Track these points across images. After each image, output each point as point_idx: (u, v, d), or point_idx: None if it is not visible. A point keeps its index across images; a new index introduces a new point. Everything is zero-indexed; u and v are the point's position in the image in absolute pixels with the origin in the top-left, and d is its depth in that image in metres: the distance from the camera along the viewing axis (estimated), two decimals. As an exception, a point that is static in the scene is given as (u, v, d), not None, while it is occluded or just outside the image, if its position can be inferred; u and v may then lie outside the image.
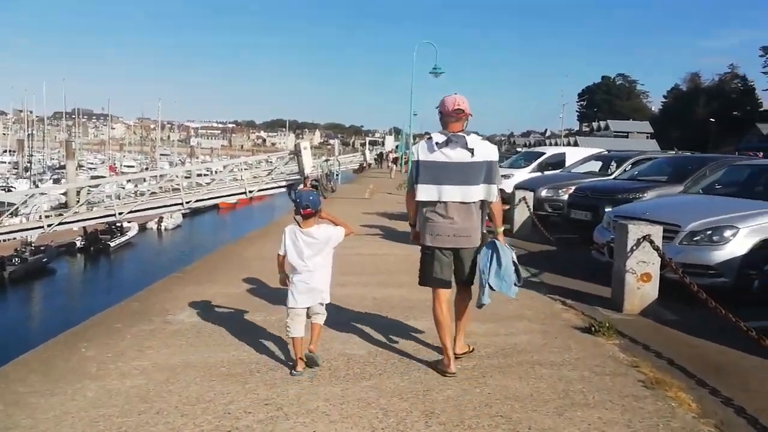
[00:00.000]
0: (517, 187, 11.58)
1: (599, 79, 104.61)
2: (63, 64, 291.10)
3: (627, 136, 69.96)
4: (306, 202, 3.76)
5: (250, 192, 17.37)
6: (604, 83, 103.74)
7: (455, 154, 3.71)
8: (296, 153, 17.92)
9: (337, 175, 26.85)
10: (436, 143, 3.74)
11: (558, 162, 14.50)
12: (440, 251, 3.80)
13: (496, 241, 3.86)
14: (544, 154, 15.24)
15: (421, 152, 3.81)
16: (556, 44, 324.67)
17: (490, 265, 3.80)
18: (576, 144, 52.85)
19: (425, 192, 3.76)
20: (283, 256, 3.86)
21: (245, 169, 18.62)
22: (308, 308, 3.83)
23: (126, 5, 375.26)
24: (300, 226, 3.81)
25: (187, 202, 16.62)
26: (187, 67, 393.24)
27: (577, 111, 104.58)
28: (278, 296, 5.05)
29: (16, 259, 23.15)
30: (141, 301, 5.80)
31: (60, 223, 15.43)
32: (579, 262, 7.81)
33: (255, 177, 18.62)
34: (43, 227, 15.08)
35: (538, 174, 13.59)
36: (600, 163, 13.03)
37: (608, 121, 78.39)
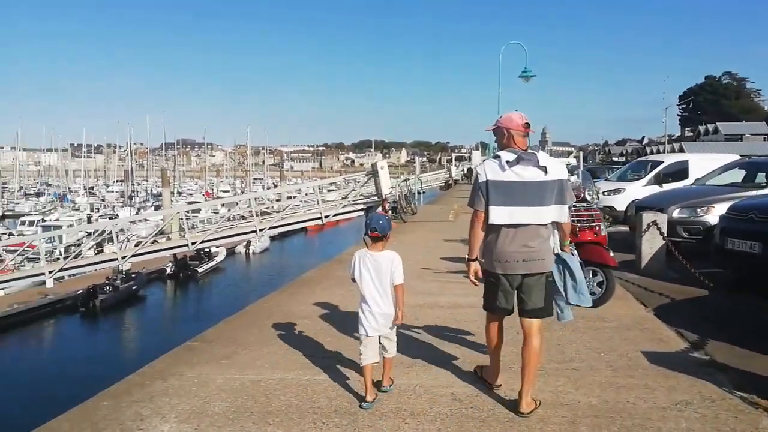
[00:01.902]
0: (640, 206, 9.45)
1: (702, 79, 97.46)
2: (165, 97, 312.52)
3: (741, 139, 63.52)
4: (375, 224, 3.74)
5: (326, 217, 16.41)
6: (708, 83, 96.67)
7: (528, 173, 3.51)
8: (373, 173, 16.79)
9: (420, 193, 25.59)
10: (507, 162, 3.52)
11: (679, 172, 12.38)
12: (507, 279, 3.60)
13: (561, 253, 3.79)
14: (661, 162, 13.01)
15: (489, 171, 3.57)
16: (651, 43, 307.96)
17: (565, 282, 3.75)
18: (682, 150, 48.46)
19: (498, 214, 3.52)
20: (353, 278, 3.85)
21: (321, 193, 17.65)
22: (379, 336, 3.78)
23: (217, 35, 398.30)
24: (368, 248, 3.80)
25: (261, 230, 15.93)
26: (280, 92, 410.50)
27: (678, 115, 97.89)
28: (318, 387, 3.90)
29: (108, 287, 23.73)
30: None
31: (132, 255, 15.17)
32: (757, 321, 6.02)
33: (331, 200, 17.69)
34: (116, 259, 14.87)
35: (658, 188, 11.51)
36: (742, 172, 10.40)
37: (717, 123, 71.76)
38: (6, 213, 56.38)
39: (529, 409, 3.55)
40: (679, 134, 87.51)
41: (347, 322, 5.66)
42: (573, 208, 6.02)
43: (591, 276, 6.08)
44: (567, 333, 5.31)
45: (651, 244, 7.95)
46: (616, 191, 12.22)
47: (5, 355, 18.76)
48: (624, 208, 11.80)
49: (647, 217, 7.96)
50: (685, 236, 8.51)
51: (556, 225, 3.70)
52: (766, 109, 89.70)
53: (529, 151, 3.58)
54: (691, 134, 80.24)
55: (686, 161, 12.84)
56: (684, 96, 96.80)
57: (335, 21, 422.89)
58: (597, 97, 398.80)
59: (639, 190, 12.04)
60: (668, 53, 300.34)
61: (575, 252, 4.11)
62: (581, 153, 9.85)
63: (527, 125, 3.64)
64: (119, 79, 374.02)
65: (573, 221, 5.97)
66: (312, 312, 6.26)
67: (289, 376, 4.33)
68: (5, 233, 36.00)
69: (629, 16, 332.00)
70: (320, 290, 7.32)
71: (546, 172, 3.52)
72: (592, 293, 5.85)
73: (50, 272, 16.44)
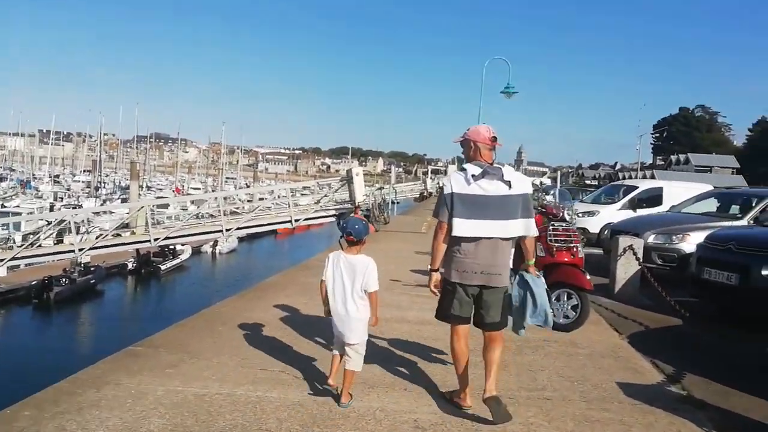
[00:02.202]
0: (615, 230, 9.30)
1: (677, 111, 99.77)
2: (141, 89, 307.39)
3: (710, 171, 65.12)
4: (350, 228, 3.68)
5: (296, 221, 15.98)
6: (682, 115, 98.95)
7: (492, 188, 3.55)
8: (348, 179, 16.45)
9: (394, 203, 25.31)
10: (472, 176, 3.55)
11: (653, 198, 12.36)
12: (463, 289, 3.62)
13: (524, 273, 3.77)
14: (636, 187, 12.96)
15: (455, 184, 3.59)
16: (629, 73, 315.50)
17: (526, 302, 3.73)
18: (653, 177, 49.33)
19: (462, 227, 3.53)
20: (324, 281, 3.78)
21: (293, 196, 17.23)
22: (346, 344, 3.72)
23: (204, 32, 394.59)
24: (343, 250, 3.74)
25: (228, 230, 15.41)
26: (259, 93, 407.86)
27: (651, 143, 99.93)
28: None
29: (64, 280, 22.82)
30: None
31: (91, 248, 14.50)
32: (733, 354, 5.78)
33: (303, 204, 17.29)
34: (74, 251, 14.18)
35: (632, 213, 11.44)
36: (716, 202, 10.36)
37: (689, 154, 73.49)
38: (-40, 198, 54.17)
39: (491, 394, 3.56)
40: (651, 162, 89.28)
41: (308, 333, 5.36)
42: (551, 228, 5.83)
43: (566, 299, 5.87)
44: (539, 358, 5.09)
45: (626, 268, 7.74)
46: (590, 213, 12.09)
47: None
48: (597, 231, 11.73)
49: (623, 241, 7.74)
50: (659, 263, 8.36)
51: (521, 242, 3.72)
52: (735, 143, 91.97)
53: (494, 165, 3.61)
54: (663, 163, 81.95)
55: (661, 188, 12.85)
56: (658, 125, 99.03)
57: (319, 26, 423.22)
58: (573, 119, 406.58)
59: (613, 213, 11.98)
60: (645, 82, 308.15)
61: (541, 276, 3.92)
62: (558, 173, 9.74)
63: (494, 139, 3.64)
64: (94, 68, 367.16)
65: (550, 241, 5.78)
66: (271, 320, 5.87)
67: (237, 392, 3.93)
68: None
69: (609, 42, 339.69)
70: (283, 296, 6.93)
71: (510, 186, 3.54)
72: (566, 317, 5.74)
73: (1, 260, 15.62)
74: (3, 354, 17.17)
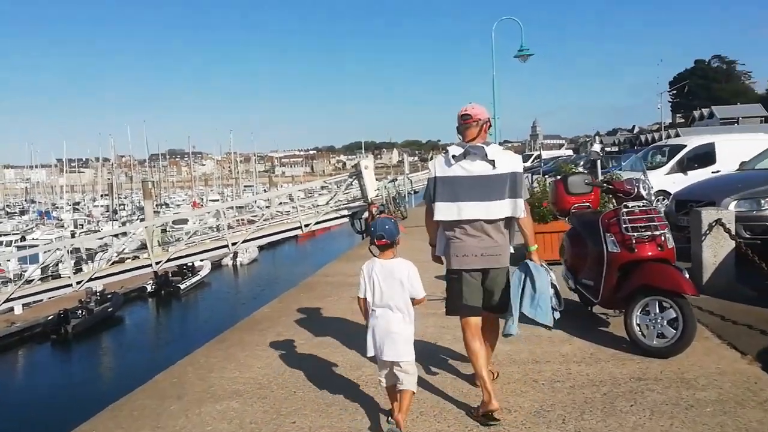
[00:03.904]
0: (680, 200, 7.69)
1: (692, 64, 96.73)
2: (144, 108, 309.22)
3: (737, 122, 62.35)
4: (381, 230, 3.28)
5: (306, 226, 14.85)
6: (698, 68, 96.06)
7: (475, 167, 3.41)
8: (357, 174, 15.24)
9: (411, 193, 24.03)
10: (453, 156, 3.45)
11: (704, 156, 10.83)
12: (468, 274, 3.43)
13: (528, 261, 3.49)
14: (683, 146, 11.42)
15: (438, 167, 3.51)
16: (637, 31, 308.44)
17: (523, 290, 3.44)
18: (678, 135, 47.16)
19: (444, 211, 3.43)
20: (363, 299, 3.30)
21: (303, 198, 16.10)
22: (392, 365, 3.17)
23: (202, 41, 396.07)
24: (377, 257, 3.33)
25: (233, 244, 14.35)
26: (269, 98, 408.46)
27: (669, 101, 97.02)
28: None
29: (81, 311, 22.15)
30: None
31: (90, 279, 13.58)
32: None
33: (321, 205, 16.11)
34: (71, 285, 13.26)
35: (683, 176, 9.98)
36: None
37: (712, 107, 70.58)
38: (-13, 233, 54.38)
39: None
40: (671, 121, 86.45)
41: (296, 408, 3.66)
42: (625, 211, 4.41)
43: (658, 310, 4.18)
44: (643, 417, 3.26)
45: (714, 250, 5.81)
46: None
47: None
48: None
49: (708, 214, 5.85)
50: (748, 236, 6.58)
51: (517, 225, 3.47)
52: (757, 91, 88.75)
53: (477, 144, 3.42)
54: (683, 120, 79.03)
55: (712, 144, 11.25)
56: (674, 81, 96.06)
57: (319, 24, 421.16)
58: (585, 88, 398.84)
59: (661, 179, 10.46)
60: (655, 41, 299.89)
61: (545, 265, 3.51)
62: (597, 137, 8.22)
63: (462, 117, 3.47)
64: (93, 92, 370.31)
65: (626, 229, 4.33)
66: (246, 387, 4.04)
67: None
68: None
69: (613, 4, 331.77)
70: (272, 337, 5.20)
71: (494, 165, 3.36)
72: (661, 336, 4.16)
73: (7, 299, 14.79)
74: (24, 394, 16.60)
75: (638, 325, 4.26)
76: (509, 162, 3.40)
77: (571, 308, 5.64)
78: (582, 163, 12.49)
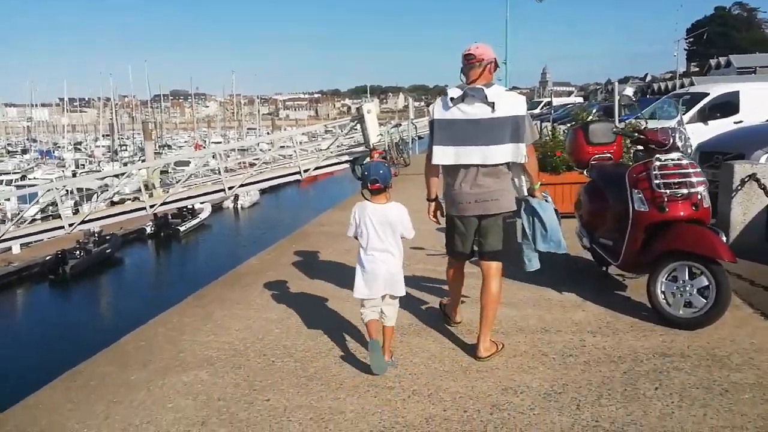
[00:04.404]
0: (705, 152, 7.09)
1: (712, 11, 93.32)
2: (147, 48, 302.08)
3: (755, 72, 60.35)
4: (374, 175, 3.22)
5: (305, 171, 14.28)
6: (718, 15, 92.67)
7: (473, 110, 3.28)
8: (359, 119, 14.54)
9: (417, 139, 23.26)
10: (451, 99, 3.32)
11: (727, 105, 10.13)
12: (461, 222, 3.43)
13: (530, 199, 3.47)
14: (705, 95, 10.66)
15: (436, 110, 3.41)
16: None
17: (534, 230, 3.44)
18: (692, 84, 45.66)
19: (441, 154, 3.35)
20: (354, 236, 3.37)
21: (300, 144, 15.50)
22: (383, 299, 3.28)
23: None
24: (368, 200, 3.31)
25: (230, 188, 13.84)
26: (274, 39, 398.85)
27: (685, 49, 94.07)
28: None
29: (79, 252, 21.95)
30: None
31: (82, 222, 13.15)
32: None
33: (324, 149, 15.45)
34: (64, 227, 12.84)
35: (703, 126, 9.30)
36: None
37: (729, 56, 68.27)
38: (-12, 172, 54.03)
39: (486, 354, 3.37)
40: (685, 69, 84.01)
41: (273, 382, 3.23)
42: (657, 164, 3.80)
43: (687, 277, 3.67)
44: (669, 403, 2.81)
45: (745, 207, 5.31)
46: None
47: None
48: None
49: (742, 168, 5.27)
50: None
51: (521, 166, 3.38)
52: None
53: (476, 86, 3.28)
54: (697, 69, 76.62)
55: (737, 92, 10.47)
56: (692, 29, 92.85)
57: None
58: (597, 35, 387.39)
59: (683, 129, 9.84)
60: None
61: (548, 197, 3.50)
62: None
63: (466, 56, 3.34)
64: (95, 31, 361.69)
65: (657, 185, 3.75)
66: (220, 353, 3.59)
67: None
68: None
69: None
70: (255, 294, 4.76)
71: (494, 108, 3.24)
72: (689, 305, 3.67)
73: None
74: (19, 334, 16.57)
75: (663, 292, 3.76)
76: (511, 104, 3.26)
77: (584, 268, 5.18)
78: (594, 111, 11.78)
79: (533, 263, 3.52)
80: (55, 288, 20.93)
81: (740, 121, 9.94)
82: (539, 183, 3.49)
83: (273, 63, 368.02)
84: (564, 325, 3.85)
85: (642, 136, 4.07)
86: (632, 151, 5.27)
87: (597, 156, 4.98)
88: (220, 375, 3.29)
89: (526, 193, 3.48)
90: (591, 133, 5.01)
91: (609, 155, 5.00)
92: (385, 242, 3.23)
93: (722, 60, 69.82)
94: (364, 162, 14.27)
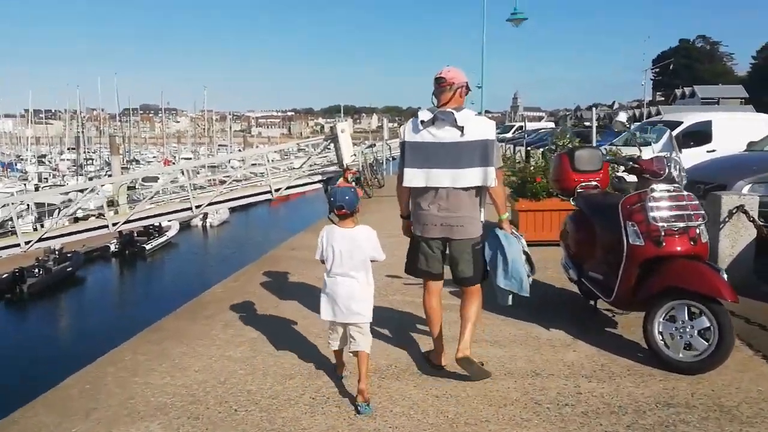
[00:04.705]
0: (696, 181, 6.85)
1: (677, 43, 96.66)
2: (117, 60, 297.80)
3: (717, 102, 62.36)
4: (341, 201, 3.23)
5: (276, 191, 13.88)
6: (682, 47, 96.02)
7: (443, 134, 3.29)
8: (333, 139, 14.25)
9: (390, 159, 23.08)
10: (421, 121, 3.34)
11: (701, 134, 10.19)
12: (427, 243, 3.43)
13: (497, 230, 3.44)
14: (679, 123, 10.71)
15: (406, 132, 3.42)
16: (623, 8, 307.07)
17: (496, 262, 3.38)
18: (659, 113, 46.84)
19: (412, 176, 3.35)
20: (320, 260, 3.36)
21: (272, 162, 15.11)
22: (346, 327, 3.25)
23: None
24: (336, 225, 3.35)
25: (197, 206, 13.34)
26: (247, 56, 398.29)
27: (651, 79, 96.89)
28: None
29: (38, 270, 20.98)
30: None
31: (40, 239, 12.50)
32: None
33: (297, 168, 15.07)
34: (20, 244, 12.17)
35: (679, 155, 9.24)
36: None
37: (694, 86, 70.50)
38: (-54, 184, 52.09)
39: (462, 355, 3.29)
40: (651, 98, 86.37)
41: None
42: (652, 195, 3.57)
43: (687, 317, 3.41)
44: None
45: (733, 240, 5.09)
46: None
47: None
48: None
49: (729, 199, 5.08)
50: (761, 223, 5.51)
51: (488, 193, 3.37)
52: (737, 73, 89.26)
53: (446, 109, 3.27)
54: (663, 98, 78.84)
55: (709, 122, 10.60)
56: (658, 59, 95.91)
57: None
58: (564, 60, 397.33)
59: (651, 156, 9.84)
60: (642, 15, 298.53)
61: (517, 233, 3.46)
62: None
63: (436, 80, 3.34)
64: (62, 41, 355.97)
65: (653, 218, 3.50)
66: (175, 400, 3.21)
67: None
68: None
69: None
70: (218, 328, 4.39)
71: (463, 132, 3.24)
72: (689, 347, 3.41)
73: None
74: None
75: (661, 333, 3.50)
76: (480, 128, 3.26)
77: (570, 301, 4.93)
78: (568, 136, 11.72)
79: (503, 299, 3.44)
80: (10, 308, 19.93)
81: (713, 150, 9.97)
82: (507, 214, 3.44)
83: (246, 79, 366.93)
84: (556, 367, 3.55)
85: (636, 165, 3.85)
86: (613, 178, 5.09)
87: (583, 184, 4.76)
88: (175, 427, 2.90)
89: (482, 220, 3.42)
90: (577, 159, 4.79)
91: (595, 183, 4.78)
92: (350, 267, 3.21)
93: (687, 90, 72.10)
94: (334, 185, 13.99)
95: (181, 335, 4.24)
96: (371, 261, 3.25)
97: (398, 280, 5.34)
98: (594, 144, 10.08)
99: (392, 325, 4.33)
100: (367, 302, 3.23)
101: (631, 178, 4.36)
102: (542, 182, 7.16)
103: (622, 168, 6.91)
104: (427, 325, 3.62)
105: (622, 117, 4.28)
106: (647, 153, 7.99)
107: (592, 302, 4.57)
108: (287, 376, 3.48)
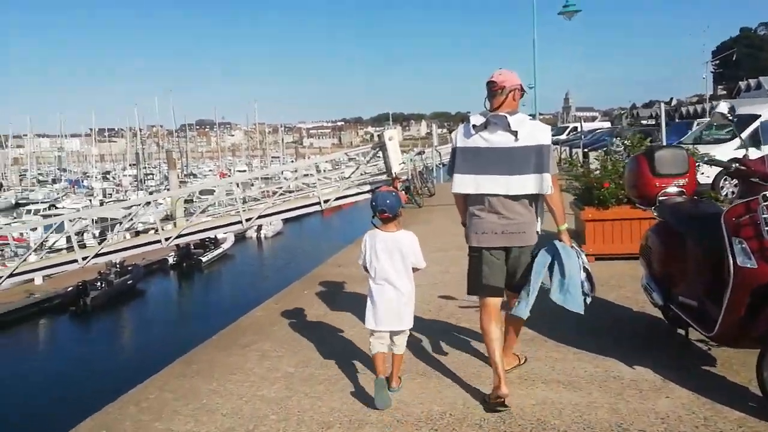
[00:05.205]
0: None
1: (737, 32, 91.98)
2: (171, 79, 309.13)
3: (784, 94, 58.47)
4: (382, 205, 3.26)
5: (325, 202, 13.59)
6: (743, 36, 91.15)
7: (496, 138, 3.14)
8: (381, 146, 13.84)
9: (440, 166, 22.50)
10: (473, 126, 3.18)
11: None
12: (489, 252, 3.20)
13: (557, 242, 3.21)
14: (756, 117, 9.69)
15: (458, 138, 3.29)
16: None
17: (551, 274, 3.14)
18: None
19: (461, 183, 3.23)
20: (363, 266, 3.42)
21: (323, 172, 14.88)
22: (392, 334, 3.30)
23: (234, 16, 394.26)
24: (379, 229, 3.36)
25: (248, 219, 13.21)
26: (298, 68, 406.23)
27: (712, 72, 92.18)
28: None
29: (100, 283, 21.57)
30: None
31: (96, 255, 12.65)
32: None
33: (339, 180, 14.86)
34: (77, 260, 12.35)
35: (759, 152, 8.38)
36: None
37: (760, 78, 66.44)
38: (20, 201, 55.02)
39: (510, 366, 3.34)
40: (712, 93, 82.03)
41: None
42: (766, 202, 2.83)
43: None
44: None
45: None
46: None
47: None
48: (711, 182, 8.67)
49: None
50: None
51: (544, 202, 3.20)
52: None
53: (499, 113, 3.11)
54: (725, 92, 74.70)
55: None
56: (718, 51, 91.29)
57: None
58: (619, 58, 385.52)
59: (729, 155, 8.90)
60: (696, 4, 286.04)
61: (578, 248, 3.18)
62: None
63: (488, 84, 3.21)
64: (120, 65, 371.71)
65: (767, 233, 2.82)
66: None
67: None
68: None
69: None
70: (253, 359, 3.99)
71: (517, 137, 3.08)
72: None
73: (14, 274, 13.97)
74: (37, 368, 16.06)
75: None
76: (535, 133, 3.11)
77: (652, 327, 4.24)
78: (622, 135, 10.79)
79: (523, 310, 3.18)
80: (74, 321, 20.53)
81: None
82: (565, 224, 3.26)
83: (296, 92, 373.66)
84: (646, 420, 2.90)
85: (743, 167, 3.17)
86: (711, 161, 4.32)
87: (665, 190, 4.08)
88: (193, 492, 2.48)
89: (539, 231, 3.26)
90: (658, 161, 4.09)
91: (681, 189, 4.10)
92: (393, 272, 3.22)
93: (752, 82, 67.95)
94: (375, 192, 13.56)
95: (213, 368, 3.86)
96: (413, 270, 3.26)
97: (452, 302, 4.81)
98: (664, 143, 9.21)
99: (445, 358, 3.80)
100: (408, 309, 3.26)
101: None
102: (611, 188, 6.46)
103: (703, 168, 6.15)
104: (486, 353, 3.24)
105: (723, 108, 3.55)
106: (717, 149, 7.12)
107: (681, 331, 3.87)
108: (324, 425, 3.01)
